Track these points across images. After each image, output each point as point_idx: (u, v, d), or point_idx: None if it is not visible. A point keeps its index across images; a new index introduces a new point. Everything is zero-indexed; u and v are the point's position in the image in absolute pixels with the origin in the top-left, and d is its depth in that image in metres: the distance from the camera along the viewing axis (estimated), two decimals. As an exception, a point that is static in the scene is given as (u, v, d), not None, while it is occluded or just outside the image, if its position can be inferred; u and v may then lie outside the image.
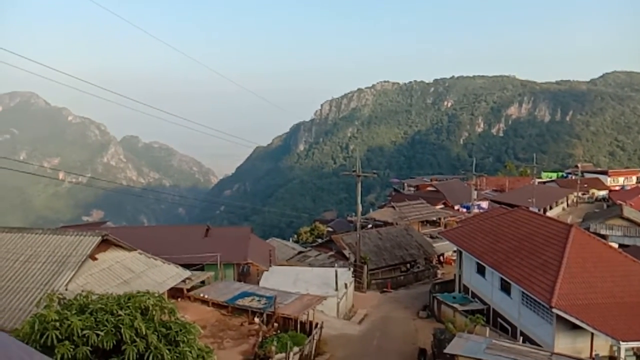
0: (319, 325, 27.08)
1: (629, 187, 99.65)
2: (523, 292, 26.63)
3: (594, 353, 22.85)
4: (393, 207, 73.74)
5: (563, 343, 23.34)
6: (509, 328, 28.84)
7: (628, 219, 55.23)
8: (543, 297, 23.91)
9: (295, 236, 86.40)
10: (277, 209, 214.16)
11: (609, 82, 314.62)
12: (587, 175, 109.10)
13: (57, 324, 11.04)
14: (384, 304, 40.40)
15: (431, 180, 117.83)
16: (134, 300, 12.24)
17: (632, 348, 22.19)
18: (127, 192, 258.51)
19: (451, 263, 53.28)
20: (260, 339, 24.43)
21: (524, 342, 23.56)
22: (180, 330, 12.12)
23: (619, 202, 68.74)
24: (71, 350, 10.68)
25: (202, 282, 34.17)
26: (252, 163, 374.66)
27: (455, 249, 42.65)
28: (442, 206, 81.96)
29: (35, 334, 11.02)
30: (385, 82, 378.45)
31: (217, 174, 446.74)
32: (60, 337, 10.87)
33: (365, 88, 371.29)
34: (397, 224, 62.67)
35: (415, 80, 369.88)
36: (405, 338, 31.02)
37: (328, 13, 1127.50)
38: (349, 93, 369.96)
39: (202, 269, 35.67)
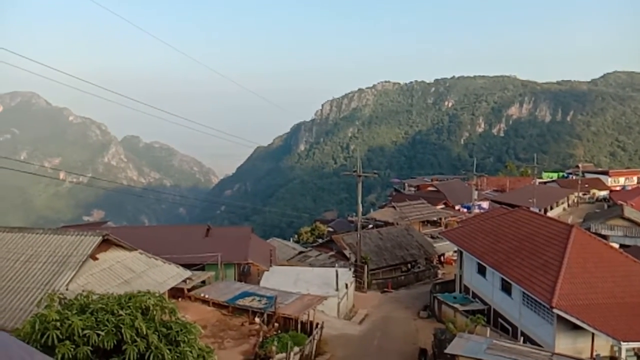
0: (319, 326, 27.08)
1: (629, 188, 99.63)
2: (524, 293, 26.62)
3: (594, 353, 22.85)
4: (394, 207, 73.74)
5: (564, 343, 23.32)
6: (510, 328, 28.83)
7: (629, 219, 55.20)
8: (544, 298, 23.90)
9: (296, 236, 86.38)
10: (277, 209, 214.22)
11: (609, 82, 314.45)
12: (588, 176, 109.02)
13: (58, 323, 11.06)
14: (384, 304, 40.39)
15: (432, 181, 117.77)
16: (134, 300, 12.25)
17: (633, 348, 22.17)
18: (128, 192, 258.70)
19: (452, 263, 53.26)
20: (260, 339, 24.43)
21: (524, 342, 23.56)
22: (181, 330, 12.13)
23: (619, 202, 68.65)
24: (72, 350, 10.69)
25: (203, 282, 34.17)
26: (253, 163, 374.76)
27: (455, 249, 42.64)
28: (442, 206, 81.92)
29: (36, 333, 11.03)
30: (386, 82, 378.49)
31: (218, 173, 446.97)
32: (61, 336, 10.88)
33: (366, 88, 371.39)
34: (397, 224, 62.66)
35: (416, 80, 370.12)
36: (405, 338, 31.01)
37: (328, 13, 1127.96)
38: (349, 93, 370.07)
39: (202, 268, 35.67)
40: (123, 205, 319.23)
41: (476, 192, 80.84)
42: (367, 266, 45.67)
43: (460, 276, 38.23)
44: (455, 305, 33.03)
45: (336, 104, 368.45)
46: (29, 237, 24.51)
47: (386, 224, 64.33)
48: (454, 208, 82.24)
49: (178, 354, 11.57)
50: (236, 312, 28.94)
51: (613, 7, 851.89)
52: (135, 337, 11.16)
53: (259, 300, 29.47)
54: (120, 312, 11.62)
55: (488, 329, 26.34)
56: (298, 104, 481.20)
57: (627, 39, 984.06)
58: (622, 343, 20.85)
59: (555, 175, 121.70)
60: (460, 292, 37.77)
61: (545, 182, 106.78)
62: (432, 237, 58.97)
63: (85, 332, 10.97)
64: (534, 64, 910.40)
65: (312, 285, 34.14)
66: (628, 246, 45.53)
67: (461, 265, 38.02)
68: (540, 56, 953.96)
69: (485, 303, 32.59)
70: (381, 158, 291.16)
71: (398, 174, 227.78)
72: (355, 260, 46.28)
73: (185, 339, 11.98)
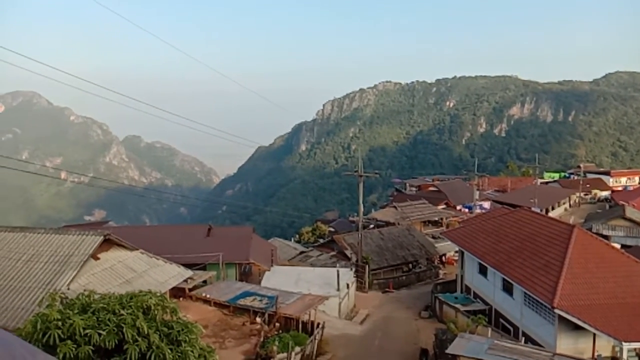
0: (320, 325, 27.09)
1: (631, 188, 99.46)
2: (525, 293, 26.60)
3: (596, 354, 22.85)
4: (395, 207, 73.69)
5: (565, 344, 23.30)
6: (511, 328, 28.81)
7: (630, 220, 55.12)
8: (545, 298, 23.88)
9: (297, 236, 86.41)
10: (278, 208, 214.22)
11: (611, 82, 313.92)
12: (590, 176, 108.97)
13: (60, 323, 11.07)
14: (385, 304, 40.37)
15: (433, 181, 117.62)
16: (136, 299, 12.26)
17: (634, 349, 22.15)
18: (129, 191, 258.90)
19: (453, 263, 53.21)
20: (262, 339, 24.46)
21: (526, 342, 23.55)
22: (182, 329, 12.14)
23: (621, 202, 68.55)
24: (73, 349, 10.70)
25: (204, 282, 34.21)
26: (254, 163, 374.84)
27: (457, 249, 42.63)
28: (444, 206, 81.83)
29: (38, 333, 11.04)
30: (387, 82, 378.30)
31: (219, 173, 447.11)
32: (62, 336, 10.89)
33: (367, 88, 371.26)
34: (399, 224, 62.63)
35: (417, 81, 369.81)
36: (407, 338, 31.00)
37: (328, 13, 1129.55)
38: (350, 93, 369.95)
39: (204, 268, 35.68)
40: (124, 205, 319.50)
41: (477, 192, 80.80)
42: (369, 266, 45.66)
43: (462, 276, 38.21)
44: (457, 306, 33.02)
45: (337, 104, 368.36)
46: (30, 236, 24.55)
47: (387, 224, 64.30)
48: (455, 208, 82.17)
49: (179, 354, 11.57)
50: (237, 312, 28.95)
51: (615, 7, 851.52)
52: (137, 337, 11.17)
53: (260, 300, 29.48)
54: (122, 311, 11.63)
55: (489, 329, 26.34)
56: (299, 104, 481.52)
57: (629, 39, 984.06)
58: (623, 343, 20.83)
59: (556, 176, 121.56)
60: (461, 292, 37.75)
61: (546, 182, 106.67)
62: (433, 237, 58.91)
63: (87, 331, 10.99)
64: (536, 64, 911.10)
65: (313, 285, 34.14)
66: (629, 246, 45.47)
67: (462, 266, 38.00)
68: (542, 56, 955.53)
69: (486, 303, 32.57)
70: (382, 158, 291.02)
71: (399, 174, 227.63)
72: (357, 260, 46.27)
73: (187, 338, 11.98)
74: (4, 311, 19.67)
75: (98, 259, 24.76)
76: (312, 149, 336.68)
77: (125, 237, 28.60)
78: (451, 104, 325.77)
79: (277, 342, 23.31)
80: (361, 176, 45.50)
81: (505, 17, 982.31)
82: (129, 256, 26.89)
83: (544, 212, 59.72)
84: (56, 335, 10.83)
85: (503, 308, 30.24)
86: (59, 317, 11.22)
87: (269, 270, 37.85)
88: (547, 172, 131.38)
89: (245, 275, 40.49)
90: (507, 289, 29.36)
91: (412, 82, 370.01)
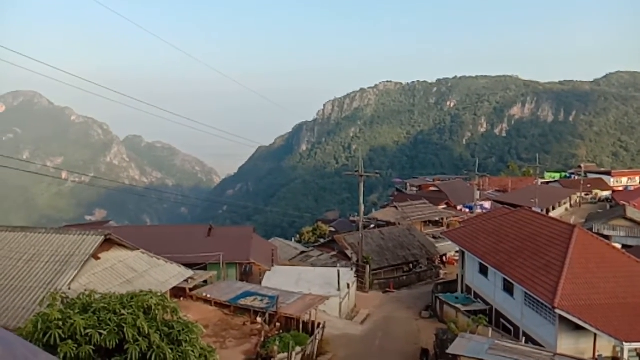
0: (321, 325, 27.09)
1: (632, 188, 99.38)
2: (526, 293, 26.58)
3: (597, 354, 22.82)
4: (395, 207, 73.67)
5: (566, 344, 23.29)
6: (512, 329, 28.80)
7: (631, 220, 55.09)
8: (546, 298, 23.86)
9: (298, 236, 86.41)
10: (279, 208, 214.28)
11: (612, 82, 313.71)
12: (590, 176, 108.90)
13: (60, 323, 11.07)
14: (386, 304, 40.36)
15: (434, 181, 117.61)
16: (136, 299, 12.26)
17: (635, 349, 22.13)
18: (130, 191, 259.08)
19: (454, 263, 53.19)
20: (262, 339, 24.46)
21: (526, 342, 23.54)
22: (183, 329, 12.14)
23: (622, 202, 68.52)
24: (74, 349, 10.70)
25: (205, 282, 34.22)
26: (255, 163, 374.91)
27: (457, 249, 42.61)
28: (444, 206, 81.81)
29: (39, 332, 11.05)
30: (387, 82, 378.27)
31: (220, 173, 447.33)
32: (63, 336, 10.90)
33: (368, 88, 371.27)
34: (399, 224, 62.61)
35: (418, 80, 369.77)
36: (407, 338, 31.00)
37: (328, 13, 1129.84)
38: (351, 93, 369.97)
39: (204, 268, 35.70)
40: (125, 205, 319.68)
41: (478, 192, 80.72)
42: (369, 266, 45.65)
43: (462, 276, 38.20)
44: (457, 306, 33.01)
45: (338, 103, 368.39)
46: (31, 236, 24.57)
47: (388, 224, 64.29)
48: (456, 208, 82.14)
49: (180, 354, 11.58)
50: (238, 312, 28.96)
51: (615, 7, 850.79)
52: (138, 337, 11.17)
53: (261, 300, 29.49)
54: (123, 311, 11.64)
55: (490, 330, 26.32)
56: (299, 104, 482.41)
57: (630, 39, 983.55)
58: (624, 344, 20.81)
59: (557, 176, 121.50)
60: (462, 292, 37.74)
61: (547, 182, 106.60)
62: (434, 237, 58.89)
63: (88, 331, 10.99)
64: (536, 64, 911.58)
65: (314, 285, 34.14)
66: (630, 246, 45.43)
67: (463, 266, 37.99)
68: (543, 56, 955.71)
69: (487, 303, 32.55)
70: (383, 158, 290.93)
71: (400, 174, 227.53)
72: (357, 260, 46.27)
73: (187, 338, 11.99)
74: (5, 311, 19.69)
75: (99, 258, 24.77)
76: (313, 148, 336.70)
77: (126, 237, 28.61)
78: (452, 104, 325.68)
79: (277, 342, 23.31)
80: (362, 176, 45.49)
81: (506, 17, 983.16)
82: (130, 256, 26.91)
83: (544, 212, 59.67)
84: (57, 335, 10.83)
85: (504, 308, 30.23)
86: (60, 316, 11.23)
87: (269, 270, 37.85)
88: (547, 172, 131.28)
89: (246, 275, 40.50)
90: (508, 289, 29.35)
91: (413, 82, 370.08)
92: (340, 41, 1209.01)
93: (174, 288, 27.90)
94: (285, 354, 22.23)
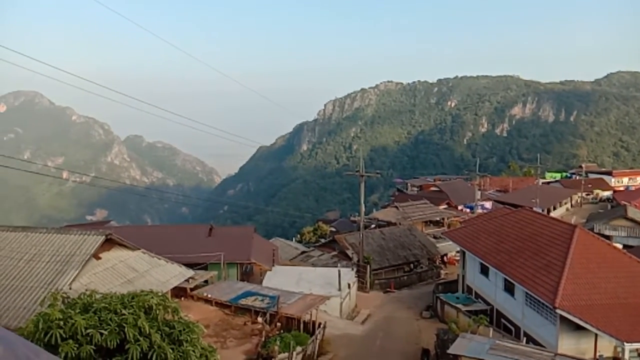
0: (322, 325, 27.10)
1: (633, 188, 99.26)
2: (527, 293, 26.57)
3: (597, 354, 22.80)
4: (396, 207, 73.67)
5: (567, 344, 23.27)
6: (513, 329, 28.78)
7: (632, 220, 55.02)
8: (547, 298, 23.85)
9: (299, 236, 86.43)
10: (280, 208, 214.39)
11: (613, 82, 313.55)
12: (591, 176, 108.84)
13: (61, 322, 11.08)
14: (387, 304, 40.36)
15: (434, 181, 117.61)
16: (137, 299, 12.27)
17: (636, 349, 22.10)
18: (131, 191, 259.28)
19: (454, 263, 53.18)
20: (263, 339, 24.47)
21: (527, 342, 23.51)
22: (184, 329, 12.14)
23: (623, 202, 68.45)
24: (75, 349, 10.71)
25: (206, 282, 34.22)
26: (256, 163, 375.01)
27: (458, 249, 42.59)
28: (445, 206, 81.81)
29: (40, 332, 11.05)
30: (388, 82, 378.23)
31: (221, 173, 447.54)
32: (64, 335, 10.90)
33: (369, 88, 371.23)
34: (400, 224, 62.60)
35: (418, 80, 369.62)
36: (408, 338, 31.00)
37: (328, 13, 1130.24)
38: (352, 93, 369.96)
39: (205, 268, 35.72)
40: (126, 205, 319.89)
41: (479, 192, 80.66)
42: (370, 266, 45.66)
43: (463, 276, 38.18)
44: (458, 306, 33.00)
45: (339, 103, 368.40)
46: (32, 236, 24.59)
47: (389, 224, 64.29)
48: (456, 208, 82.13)
49: (181, 353, 11.58)
50: (239, 312, 28.98)
51: (616, 7, 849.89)
52: (138, 336, 11.17)
53: (262, 300, 29.51)
54: (123, 311, 11.64)
55: (491, 330, 26.31)
56: (300, 104, 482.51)
57: (631, 39, 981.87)
58: (625, 344, 20.79)
59: (558, 176, 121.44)
60: (462, 292, 37.72)
61: (548, 182, 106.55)
62: (434, 237, 58.87)
63: (89, 331, 10.99)
64: (537, 64, 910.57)
65: (314, 285, 34.15)
66: (631, 247, 45.35)
67: (464, 266, 37.98)
68: (543, 56, 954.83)
69: (488, 303, 32.54)
70: (384, 158, 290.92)
71: (401, 174, 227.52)
72: (358, 260, 46.27)
73: (188, 338, 11.99)
74: (6, 310, 19.71)
75: (100, 258, 24.79)
76: (314, 148, 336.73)
77: (126, 236, 28.63)
78: (453, 104, 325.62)
79: (278, 342, 23.31)
80: (362, 176, 45.49)
81: (506, 17, 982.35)
82: (131, 256, 26.93)
83: (545, 212, 59.63)
84: (58, 335, 10.84)
85: (504, 308, 30.22)
86: (61, 316, 11.23)
87: (270, 270, 37.87)
88: (548, 172, 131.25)
89: (247, 275, 40.52)
90: (509, 289, 29.33)
91: (414, 82, 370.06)
92: (341, 41, 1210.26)
93: (174, 288, 27.92)
94: (286, 354, 22.24)
